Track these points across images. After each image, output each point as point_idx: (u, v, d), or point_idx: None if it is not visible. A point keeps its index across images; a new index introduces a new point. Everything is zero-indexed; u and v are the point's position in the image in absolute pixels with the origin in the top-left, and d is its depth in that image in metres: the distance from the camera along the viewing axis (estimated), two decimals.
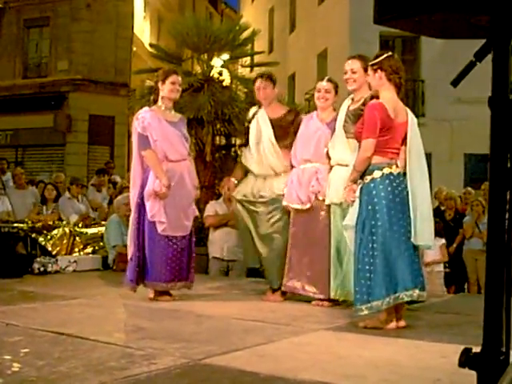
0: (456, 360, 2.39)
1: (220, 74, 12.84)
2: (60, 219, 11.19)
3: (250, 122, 7.56)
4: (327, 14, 24.04)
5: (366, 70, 6.13)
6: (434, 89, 21.15)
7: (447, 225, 11.18)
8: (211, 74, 12.87)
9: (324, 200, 6.74)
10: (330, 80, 7.13)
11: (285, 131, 7.31)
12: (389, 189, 5.45)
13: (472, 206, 11.34)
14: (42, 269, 9.74)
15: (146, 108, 7.37)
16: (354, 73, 6.47)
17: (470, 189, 12.91)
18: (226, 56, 13.91)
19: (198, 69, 13.70)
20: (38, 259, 9.86)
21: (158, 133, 7.10)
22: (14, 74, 26.49)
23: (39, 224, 10.65)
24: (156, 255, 7.09)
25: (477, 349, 2.38)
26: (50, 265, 9.86)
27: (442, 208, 12.02)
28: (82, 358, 4.34)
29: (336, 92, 7.06)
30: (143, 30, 30.52)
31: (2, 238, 9.71)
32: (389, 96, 5.57)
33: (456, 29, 2.60)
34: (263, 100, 7.50)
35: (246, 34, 13.80)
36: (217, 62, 13.65)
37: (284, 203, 7.13)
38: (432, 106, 21.74)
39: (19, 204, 11.71)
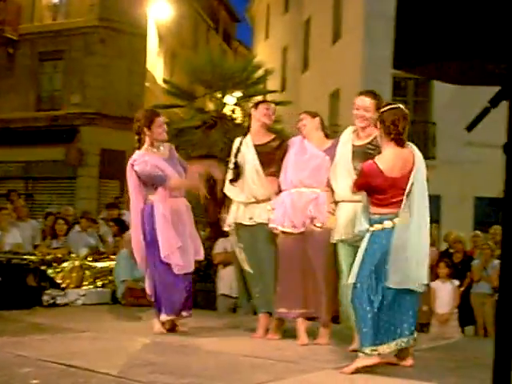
0: None
1: (233, 111, 12.93)
2: (70, 253, 11.22)
3: (235, 154, 7.41)
4: (340, 54, 24.20)
5: (377, 108, 6.09)
6: (446, 131, 21.20)
7: (455, 268, 11.14)
8: (224, 112, 12.96)
9: (320, 227, 6.61)
10: (305, 111, 7.34)
11: (270, 158, 7.17)
12: (393, 238, 5.47)
13: (481, 250, 11.32)
14: (51, 301, 9.81)
15: (140, 152, 7.35)
16: (366, 111, 6.32)
17: (478, 232, 12.88)
18: (238, 94, 13.98)
19: (210, 106, 13.79)
20: (48, 291, 9.93)
21: (167, 171, 7.25)
22: (27, 106, 26.71)
23: (49, 257, 10.69)
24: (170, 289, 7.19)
25: None
26: (59, 297, 9.93)
27: (451, 251, 11.99)
28: None
29: (314, 116, 7.15)
30: (156, 65, 30.76)
31: (13, 270, 9.77)
32: (386, 154, 5.59)
33: (472, 76, 2.66)
34: (267, 124, 7.48)
35: (259, 73, 13.89)
36: (229, 99, 13.73)
37: (272, 225, 6.92)
38: (443, 148, 21.77)
39: None
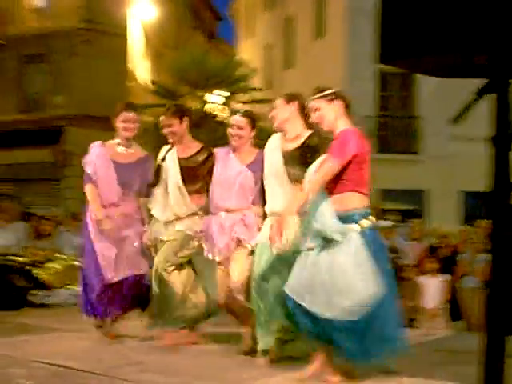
0: None
1: (218, 109, 12.94)
2: (57, 253, 11.17)
3: (162, 160, 6.70)
4: (324, 51, 24.20)
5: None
6: (431, 126, 21.25)
7: (442, 262, 11.15)
8: (206, 110, 12.96)
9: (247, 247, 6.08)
10: (245, 114, 6.38)
11: (194, 174, 6.52)
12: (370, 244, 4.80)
13: (469, 244, 11.33)
14: (38, 302, 9.78)
15: (99, 142, 7.07)
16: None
17: (466, 226, 12.94)
18: (222, 92, 13.97)
19: (193, 104, 13.77)
20: (35, 292, 9.91)
21: (99, 173, 6.81)
22: (12, 108, 26.60)
23: (37, 257, 10.65)
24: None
25: None
26: (46, 298, 9.91)
27: (435, 245, 12.00)
28: None
29: (253, 127, 6.28)
30: (142, 66, 30.70)
31: (0, 271, 9.75)
32: (350, 126, 4.98)
33: (457, 68, 2.66)
34: (170, 139, 6.69)
35: (242, 71, 13.89)
36: (212, 97, 13.70)
37: (205, 254, 6.34)
38: (428, 142, 21.81)
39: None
